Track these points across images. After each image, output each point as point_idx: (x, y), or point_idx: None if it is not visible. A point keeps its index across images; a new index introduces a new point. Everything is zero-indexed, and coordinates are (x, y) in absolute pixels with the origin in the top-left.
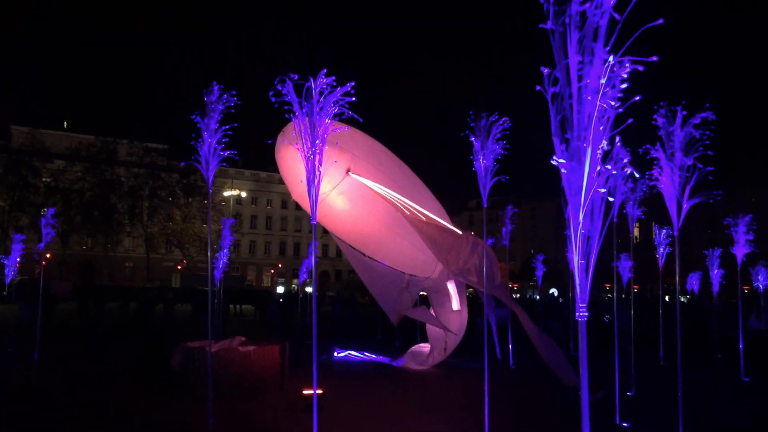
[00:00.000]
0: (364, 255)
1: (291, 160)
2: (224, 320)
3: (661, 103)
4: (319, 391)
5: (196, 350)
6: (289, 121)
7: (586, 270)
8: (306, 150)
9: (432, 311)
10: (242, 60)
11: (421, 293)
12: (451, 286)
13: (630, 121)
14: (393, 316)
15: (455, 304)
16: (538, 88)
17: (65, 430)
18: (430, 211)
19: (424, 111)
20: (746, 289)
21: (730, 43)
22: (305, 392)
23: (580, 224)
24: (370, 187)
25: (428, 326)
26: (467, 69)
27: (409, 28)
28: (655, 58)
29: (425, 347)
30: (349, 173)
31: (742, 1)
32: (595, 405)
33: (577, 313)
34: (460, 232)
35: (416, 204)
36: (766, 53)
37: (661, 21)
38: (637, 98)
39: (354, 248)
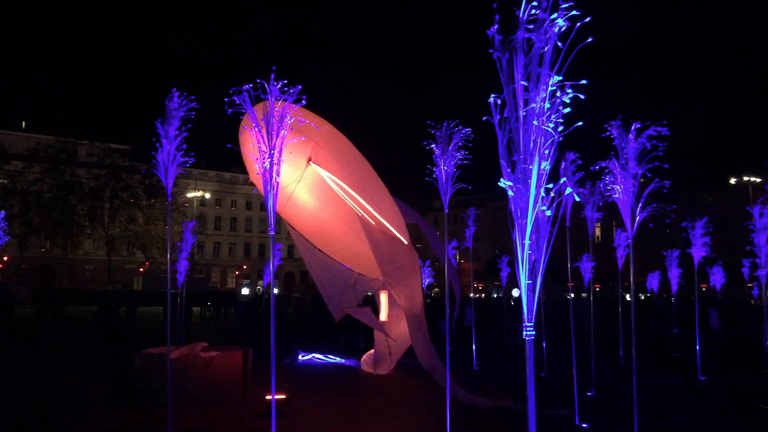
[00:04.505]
0: (315, 247)
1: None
2: (187, 324)
3: (618, 117)
4: (283, 396)
5: (156, 357)
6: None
7: (534, 290)
8: (263, 161)
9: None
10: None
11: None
12: (384, 296)
13: (579, 123)
14: (335, 312)
15: (383, 315)
16: (485, 118)
17: None
18: (386, 214)
19: (389, 110)
20: (704, 287)
21: (693, 50)
22: (268, 398)
23: (527, 245)
24: (330, 184)
25: (375, 336)
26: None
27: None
28: (584, 82)
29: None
30: (311, 163)
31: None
32: (556, 409)
33: (524, 332)
34: (405, 241)
35: (373, 204)
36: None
37: (590, 40)
38: (580, 124)
39: (306, 239)
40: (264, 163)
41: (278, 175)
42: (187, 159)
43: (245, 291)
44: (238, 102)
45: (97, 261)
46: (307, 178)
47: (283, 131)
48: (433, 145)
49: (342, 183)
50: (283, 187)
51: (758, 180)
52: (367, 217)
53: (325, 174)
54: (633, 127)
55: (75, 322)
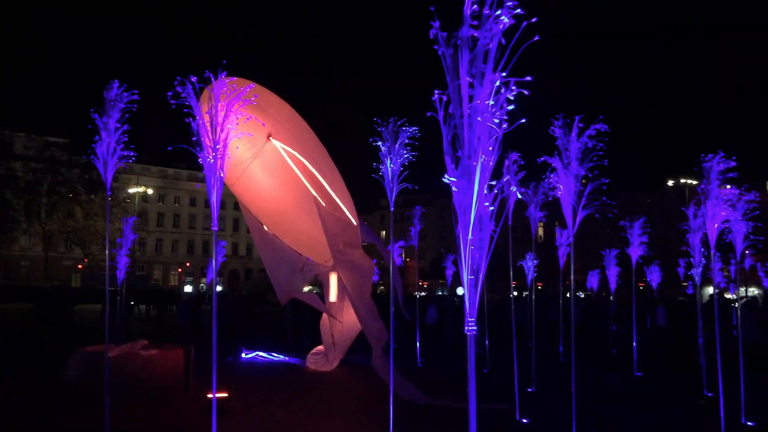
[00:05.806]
0: (266, 229)
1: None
2: (127, 322)
3: (558, 115)
4: (225, 394)
5: (94, 355)
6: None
7: (476, 285)
8: (207, 156)
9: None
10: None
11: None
12: (333, 278)
13: (523, 120)
14: (282, 295)
15: (333, 296)
16: (429, 114)
17: None
18: (339, 199)
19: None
20: (641, 286)
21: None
22: (209, 396)
23: (469, 240)
24: (287, 160)
25: (321, 327)
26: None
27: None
28: (528, 78)
29: (322, 348)
30: (270, 138)
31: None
32: (496, 403)
33: (466, 327)
34: (355, 222)
35: (327, 188)
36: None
37: (537, 38)
38: (523, 120)
39: (258, 220)
40: (208, 158)
41: (222, 170)
42: (129, 153)
43: (188, 288)
44: (182, 93)
45: (33, 257)
46: (265, 156)
47: (228, 126)
48: (380, 143)
49: (300, 156)
50: (240, 162)
51: (694, 182)
52: (319, 199)
53: (279, 146)
54: (575, 126)
55: (10, 317)
